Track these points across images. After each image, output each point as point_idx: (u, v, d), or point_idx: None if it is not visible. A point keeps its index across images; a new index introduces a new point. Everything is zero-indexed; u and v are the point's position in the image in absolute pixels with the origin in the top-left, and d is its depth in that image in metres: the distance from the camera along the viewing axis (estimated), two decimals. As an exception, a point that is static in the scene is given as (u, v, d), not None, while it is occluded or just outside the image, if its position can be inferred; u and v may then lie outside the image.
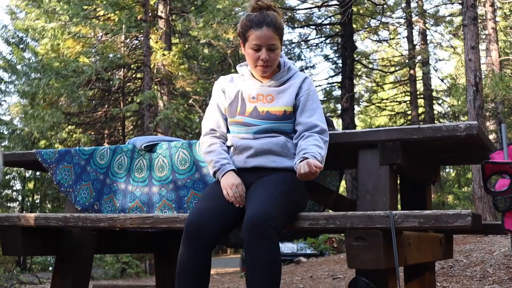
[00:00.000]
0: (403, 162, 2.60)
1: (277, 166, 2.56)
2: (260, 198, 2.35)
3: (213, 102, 2.79)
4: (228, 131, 2.75)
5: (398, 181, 3.11)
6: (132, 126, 18.71)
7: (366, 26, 19.82)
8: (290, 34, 27.91)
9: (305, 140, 2.55)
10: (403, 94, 21.77)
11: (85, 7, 14.42)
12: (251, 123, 2.62)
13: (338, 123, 26.25)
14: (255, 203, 2.34)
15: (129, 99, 17.09)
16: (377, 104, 22.17)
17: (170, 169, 3.14)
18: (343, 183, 18.21)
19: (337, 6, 18.04)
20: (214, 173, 2.61)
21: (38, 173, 22.13)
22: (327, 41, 20.08)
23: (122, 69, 16.64)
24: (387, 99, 22.66)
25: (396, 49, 21.20)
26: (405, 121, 21.47)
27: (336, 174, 3.43)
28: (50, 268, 19.49)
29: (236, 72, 2.92)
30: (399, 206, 3.14)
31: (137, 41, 16.98)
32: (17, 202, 26.09)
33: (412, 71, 20.30)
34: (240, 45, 2.74)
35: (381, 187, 2.57)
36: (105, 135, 18.54)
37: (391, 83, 22.51)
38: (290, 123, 2.63)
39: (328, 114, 21.38)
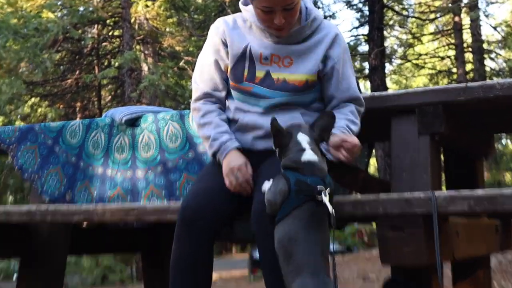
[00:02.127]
0: (447, 131, 2.59)
1: None
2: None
3: (208, 53, 2.66)
4: (228, 94, 2.66)
5: (442, 155, 3.10)
6: (110, 97, 18.71)
7: (399, -36, 19.65)
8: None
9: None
10: (446, 48, 21.61)
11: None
12: (262, 94, 2.52)
13: (365, 86, 26.14)
14: None
15: (106, 63, 17.07)
16: (414, 61, 22.01)
17: (157, 148, 3.14)
18: (373, 160, 18.18)
19: None
20: (214, 154, 2.54)
21: (-4, 157, 22.22)
22: (350, -17, 19.91)
23: (96, 26, 16.59)
24: (426, 54, 22.48)
25: (437, -9, 21.00)
26: (449, 81, 21.35)
27: (364, 149, 3.42)
28: (15, 276, 19.66)
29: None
30: (443, 187, 3.13)
31: (114, -10, 16.92)
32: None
33: (457, 18, 20.10)
34: None
35: (421, 163, 2.57)
36: (77, 109, 18.57)
37: (431, 34, 22.35)
38: (312, 92, 2.56)
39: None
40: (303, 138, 2.24)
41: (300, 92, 2.52)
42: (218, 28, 2.64)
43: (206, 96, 2.62)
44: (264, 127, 2.50)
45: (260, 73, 2.53)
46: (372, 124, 2.93)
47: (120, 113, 3.21)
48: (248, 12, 2.59)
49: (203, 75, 2.65)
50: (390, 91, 2.74)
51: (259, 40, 2.57)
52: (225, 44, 2.61)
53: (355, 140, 2.33)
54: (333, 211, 2.11)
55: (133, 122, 3.19)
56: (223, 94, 2.64)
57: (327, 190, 2.15)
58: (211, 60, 2.63)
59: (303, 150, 2.21)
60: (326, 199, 2.12)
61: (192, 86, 2.70)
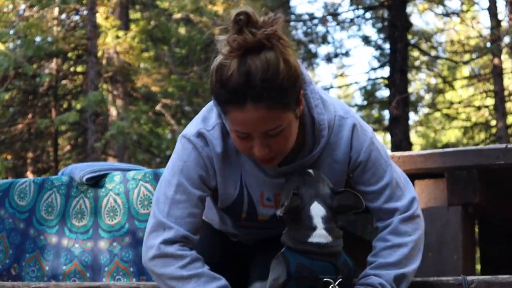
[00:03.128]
0: (483, 201, 2.60)
1: None
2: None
3: (184, 186, 2.35)
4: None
5: (476, 229, 3.10)
6: (69, 146, 18.71)
7: (426, -8, 19.90)
8: (311, 5, 28.02)
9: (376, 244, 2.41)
10: (484, 95, 21.76)
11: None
12: (267, 227, 2.51)
13: (384, 140, 26.24)
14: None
15: (65, 105, 17.10)
16: (444, 111, 22.14)
17: (126, 214, 3.14)
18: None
19: (381, -38, 18.13)
20: None
21: None
22: (367, 15, 20.13)
23: (55, 60, 16.69)
24: (459, 102, 22.62)
25: (473, 27, 21.22)
26: (487, 135, 21.43)
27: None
28: None
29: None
30: (477, 267, 3.13)
31: (78, 17, 17.03)
32: None
33: (496, 61, 20.28)
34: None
35: (450, 240, 2.57)
36: (29, 160, 18.54)
37: (465, 78, 22.52)
38: None
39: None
40: (317, 212, 2.19)
41: None
42: (196, 161, 2.37)
43: (183, 239, 2.33)
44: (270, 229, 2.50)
45: (264, 216, 2.46)
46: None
47: (81, 170, 3.22)
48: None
49: (179, 206, 2.35)
50: (413, 152, 2.75)
51: (254, 172, 2.41)
52: (205, 183, 2.38)
53: None
54: None
55: (96, 182, 3.19)
56: (199, 234, 2.40)
57: (339, 279, 2.12)
58: (189, 194, 2.35)
59: (314, 228, 2.17)
60: None
61: (155, 212, 2.37)
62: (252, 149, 2.22)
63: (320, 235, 2.16)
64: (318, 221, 2.17)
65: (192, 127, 2.38)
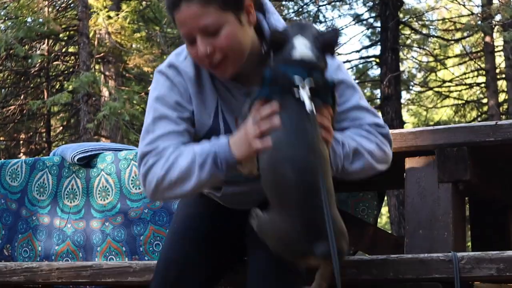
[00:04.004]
0: (473, 178, 2.61)
1: None
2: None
3: (160, 111, 2.40)
4: None
5: (467, 207, 3.11)
6: (61, 127, 18.68)
7: (417, -30, 19.84)
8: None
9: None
10: (475, 74, 21.75)
11: None
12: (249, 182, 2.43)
13: (376, 119, 26.23)
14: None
15: (57, 86, 17.06)
16: (436, 89, 22.13)
17: (117, 194, 3.14)
18: (385, 209, 18.15)
19: None
20: (215, 160, 2.23)
21: None
22: (358, -7, 20.10)
23: (46, 41, 16.62)
24: (451, 81, 22.58)
25: (464, 5, 21.19)
26: (479, 113, 21.45)
27: (373, 198, 3.43)
28: None
29: None
30: (468, 244, 3.13)
31: (69, -3, 16.97)
32: None
33: (488, 39, 20.26)
34: None
35: (441, 217, 2.58)
36: (21, 141, 18.51)
37: (456, 56, 22.50)
38: None
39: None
40: (301, 42, 2.19)
41: None
42: (170, 81, 2.43)
43: (164, 135, 2.36)
44: (253, 196, 2.43)
45: None
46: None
47: (73, 150, 3.21)
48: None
49: (159, 126, 2.39)
50: (404, 129, 2.75)
51: (227, 97, 2.46)
52: (181, 105, 2.42)
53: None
54: (313, 108, 2.08)
55: (88, 162, 3.19)
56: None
57: (310, 82, 2.11)
58: (169, 119, 2.39)
59: (298, 50, 2.16)
60: (303, 92, 2.08)
61: (139, 157, 2.37)
62: (200, 56, 2.28)
63: (302, 50, 2.17)
64: (302, 47, 2.17)
65: (164, 62, 2.48)
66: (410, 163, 2.66)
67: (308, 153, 2.07)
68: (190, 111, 2.40)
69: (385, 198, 3.58)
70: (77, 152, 3.18)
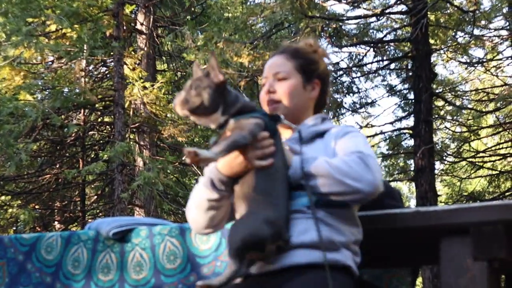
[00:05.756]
0: (510, 256, 2.58)
1: (310, 261, 2.55)
2: None
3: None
4: None
5: (503, 284, 3.07)
6: (96, 196, 18.76)
7: (450, 43, 19.89)
8: (335, 56, 28.14)
9: None
10: (509, 144, 21.63)
11: (30, 19, 14.65)
12: None
13: (410, 189, 26.04)
14: None
15: (92, 156, 17.19)
16: (470, 159, 22.02)
17: (152, 268, 3.14)
18: (418, 281, 17.94)
19: (405, 14, 18.17)
20: (212, 183, 2.64)
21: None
22: (392, 65, 20.14)
23: (82, 111, 16.81)
24: (484, 151, 22.48)
25: (497, 76, 21.17)
26: (514, 185, 21.29)
27: (407, 275, 3.40)
28: None
29: None
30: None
31: (105, 69, 17.18)
32: None
33: (522, 109, 20.20)
34: None
35: (477, 295, 2.55)
36: (56, 210, 18.59)
37: (490, 126, 22.41)
38: None
39: (393, 180, 21.22)
40: None
41: None
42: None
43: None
44: None
45: None
46: (417, 245, 2.93)
47: (107, 225, 3.23)
48: None
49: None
50: (439, 207, 2.74)
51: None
52: None
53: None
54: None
55: (123, 237, 3.20)
56: None
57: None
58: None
59: None
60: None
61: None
62: (264, 93, 2.88)
63: None
64: None
65: None
66: (444, 241, 2.64)
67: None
68: None
69: (419, 272, 3.56)
70: (112, 227, 3.20)
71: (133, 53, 16.10)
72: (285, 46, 2.98)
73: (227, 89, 2.65)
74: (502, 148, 22.05)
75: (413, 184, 18.80)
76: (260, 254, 2.42)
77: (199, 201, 2.65)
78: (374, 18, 18.95)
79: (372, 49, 19.66)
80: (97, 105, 16.67)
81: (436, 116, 20.20)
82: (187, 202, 2.73)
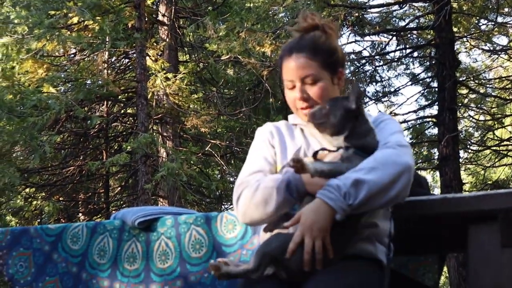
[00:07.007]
0: (538, 243, 2.56)
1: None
2: None
3: (257, 153, 2.93)
4: None
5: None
6: (119, 188, 18.83)
7: (474, 30, 19.78)
8: (358, 45, 28.03)
9: None
10: (534, 132, 21.50)
11: (52, 12, 14.69)
12: None
13: (434, 178, 25.90)
14: None
15: (116, 147, 17.25)
16: (494, 148, 21.90)
17: (177, 257, 3.14)
18: (444, 270, 17.88)
19: (428, 1, 18.08)
20: (288, 185, 2.65)
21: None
22: (415, 53, 20.06)
23: (105, 103, 16.86)
24: (509, 139, 22.38)
25: (521, 64, 21.05)
26: (539, 173, 21.17)
27: (434, 262, 3.38)
28: None
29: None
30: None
31: (128, 60, 17.22)
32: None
33: (546, 96, 20.09)
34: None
35: (505, 281, 2.53)
36: (80, 202, 18.68)
37: (515, 115, 22.30)
38: None
39: (417, 169, 21.14)
40: None
41: None
42: (265, 132, 2.99)
43: (255, 173, 2.84)
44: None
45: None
46: (444, 232, 2.91)
47: (133, 214, 3.23)
48: (296, 118, 2.98)
49: (250, 170, 2.86)
50: (466, 194, 2.73)
51: (313, 140, 2.87)
52: (273, 147, 2.94)
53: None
54: None
55: (148, 226, 3.20)
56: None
57: None
58: (259, 156, 2.91)
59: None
60: None
61: (235, 187, 2.81)
62: (296, 99, 2.84)
63: None
64: None
65: None
66: (472, 228, 2.62)
67: None
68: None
69: (446, 261, 3.54)
70: (137, 216, 3.20)
71: (155, 44, 16.10)
72: (304, 41, 2.86)
73: (363, 118, 2.67)
74: (526, 136, 21.95)
75: (437, 173, 18.72)
76: (278, 269, 2.44)
77: (271, 199, 2.65)
78: (396, 6, 18.88)
79: (395, 37, 19.59)
80: (120, 97, 16.72)
81: (460, 104, 20.11)
82: (245, 192, 2.72)
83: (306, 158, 2.65)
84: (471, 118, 22.35)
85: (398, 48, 19.99)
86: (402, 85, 25.72)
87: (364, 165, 2.51)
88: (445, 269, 17.15)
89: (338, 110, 2.61)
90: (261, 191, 2.65)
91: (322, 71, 2.80)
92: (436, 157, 20.48)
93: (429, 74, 20.32)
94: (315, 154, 2.65)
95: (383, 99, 20.21)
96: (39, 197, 17.71)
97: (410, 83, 20.72)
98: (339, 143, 2.61)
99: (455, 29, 18.68)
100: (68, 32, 15.09)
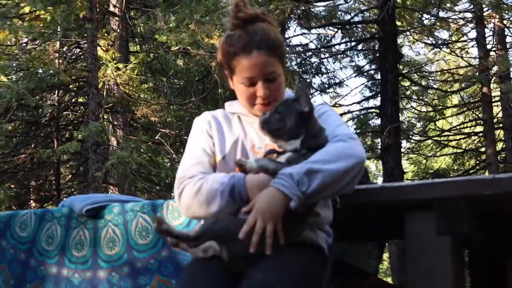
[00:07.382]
0: (472, 230, 2.59)
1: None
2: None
3: (196, 144, 2.86)
4: None
5: (466, 259, 3.09)
6: (70, 175, 18.70)
7: (416, 25, 19.94)
8: (305, 37, 28.10)
9: None
10: (473, 123, 21.77)
11: (3, 1, 14.53)
12: None
13: (377, 167, 26.10)
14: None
15: (67, 136, 17.10)
16: (435, 138, 22.14)
17: (124, 244, 3.13)
18: (385, 256, 18.04)
19: (372, -4, 18.20)
20: (232, 190, 2.59)
21: None
22: (359, 46, 20.19)
23: (56, 92, 16.70)
24: (449, 130, 22.62)
25: (462, 57, 21.28)
26: (477, 162, 21.46)
27: (374, 248, 3.42)
28: None
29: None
30: (468, 296, 3.11)
31: (79, 50, 17.05)
32: None
33: (485, 89, 20.31)
34: (226, 74, 2.88)
35: (440, 268, 2.56)
36: (31, 189, 18.51)
37: (455, 106, 22.54)
38: None
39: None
40: None
41: None
42: (202, 121, 2.93)
43: (200, 174, 2.73)
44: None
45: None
46: (384, 220, 2.94)
47: (80, 202, 3.21)
48: (233, 106, 2.94)
49: (189, 162, 2.79)
50: (403, 182, 2.77)
51: (250, 130, 2.83)
52: (211, 137, 2.86)
53: None
54: None
55: (96, 213, 3.19)
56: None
57: None
58: (199, 148, 2.84)
59: None
60: None
61: (178, 175, 2.75)
62: (255, 94, 2.75)
63: None
64: None
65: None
66: (409, 216, 2.65)
67: None
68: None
69: (385, 247, 3.58)
70: (85, 204, 3.19)
71: (106, 34, 16.00)
72: (259, 37, 2.72)
73: (314, 118, 2.64)
74: (466, 127, 22.20)
75: (380, 162, 18.88)
76: (220, 247, 2.46)
77: (214, 201, 2.62)
78: (342, 0, 18.98)
79: (340, 30, 19.71)
80: (71, 86, 16.59)
81: (403, 96, 20.31)
82: (186, 188, 2.66)
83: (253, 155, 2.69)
84: (413, 110, 22.57)
85: (343, 41, 20.12)
86: (346, 77, 25.84)
87: (318, 157, 2.49)
88: (386, 254, 17.32)
89: (292, 114, 2.58)
90: (204, 191, 2.61)
91: (279, 66, 2.76)
92: (378, 148, 20.65)
93: (373, 67, 20.47)
94: (265, 156, 2.64)
95: (328, 90, 20.32)
96: (-10, 185, 17.51)
97: (354, 75, 20.81)
98: (295, 147, 2.58)
99: (398, 23, 18.83)
100: (20, 22, 14.94)
